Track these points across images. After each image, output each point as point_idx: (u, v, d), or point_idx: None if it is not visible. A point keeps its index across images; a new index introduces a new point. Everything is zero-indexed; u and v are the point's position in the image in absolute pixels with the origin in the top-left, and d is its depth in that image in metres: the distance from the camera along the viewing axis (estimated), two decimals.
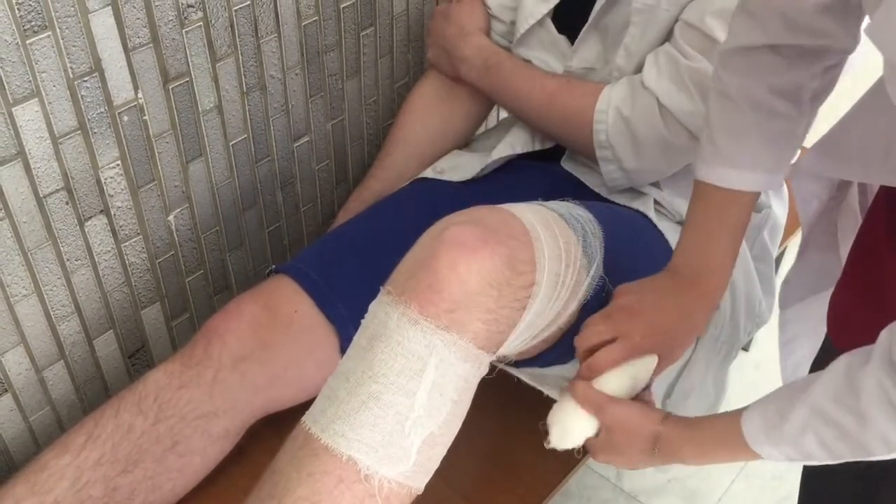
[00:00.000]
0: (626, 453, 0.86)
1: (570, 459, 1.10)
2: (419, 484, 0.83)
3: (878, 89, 0.74)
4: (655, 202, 1.09)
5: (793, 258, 0.95)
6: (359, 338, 0.84)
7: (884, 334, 0.67)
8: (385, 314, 0.82)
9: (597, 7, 1.06)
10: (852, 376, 0.68)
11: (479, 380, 0.85)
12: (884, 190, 0.76)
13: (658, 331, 0.86)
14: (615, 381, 0.86)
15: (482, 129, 1.37)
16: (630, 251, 0.98)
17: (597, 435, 0.87)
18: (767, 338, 1.65)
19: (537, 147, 1.18)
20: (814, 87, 0.81)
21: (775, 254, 1.19)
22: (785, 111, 0.81)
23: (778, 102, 0.80)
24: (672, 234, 1.04)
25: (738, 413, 0.78)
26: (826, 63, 0.79)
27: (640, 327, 0.86)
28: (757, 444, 0.75)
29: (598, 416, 0.86)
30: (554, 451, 0.89)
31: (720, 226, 0.86)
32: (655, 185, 1.10)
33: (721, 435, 0.80)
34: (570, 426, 0.87)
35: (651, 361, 0.87)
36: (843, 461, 0.71)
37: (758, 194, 0.85)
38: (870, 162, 0.75)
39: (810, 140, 0.87)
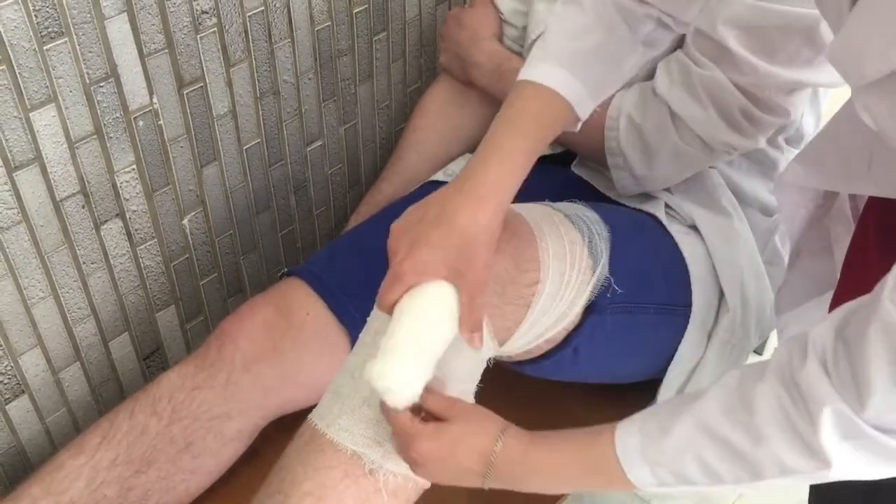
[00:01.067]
0: (451, 465, 0.76)
1: None
2: (425, 479, 0.83)
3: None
4: (666, 206, 1.09)
5: None
6: (363, 335, 0.84)
7: (782, 349, 0.65)
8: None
9: None
10: (745, 391, 0.64)
11: (480, 373, 0.85)
12: (872, 196, 0.76)
13: (420, 249, 0.73)
14: (413, 318, 0.73)
15: None
16: (637, 252, 0.98)
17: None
18: None
19: (547, 151, 1.18)
20: (647, 31, 0.82)
21: (787, 259, 1.19)
22: (622, 34, 0.81)
23: (619, 23, 0.80)
24: (682, 237, 1.04)
25: (604, 428, 0.72)
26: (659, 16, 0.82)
27: (400, 249, 0.75)
28: (629, 464, 0.69)
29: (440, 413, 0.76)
30: None
31: (521, 119, 0.77)
32: (667, 189, 1.10)
33: (582, 453, 0.73)
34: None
35: (445, 291, 0.74)
36: (721, 486, 0.66)
37: (567, 113, 0.79)
38: (853, 173, 0.74)
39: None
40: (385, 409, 0.76)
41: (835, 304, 0.82)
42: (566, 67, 0.79)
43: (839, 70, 0.60)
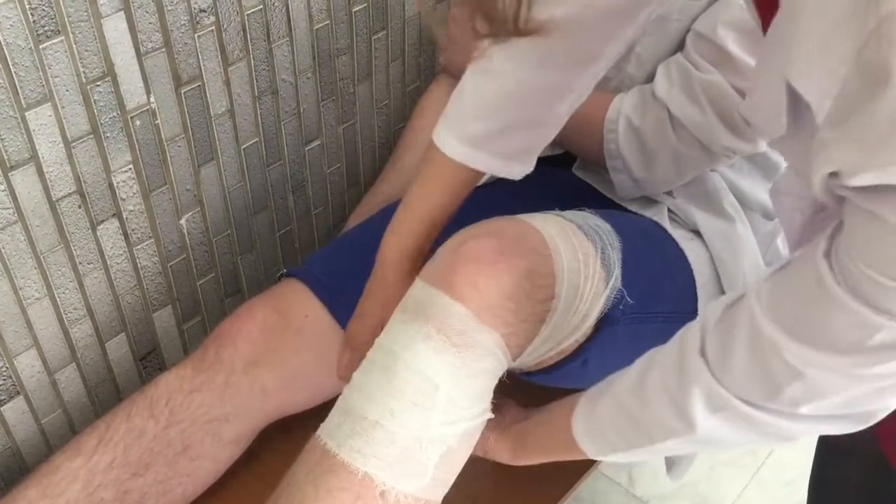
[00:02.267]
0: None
1: (582, 464, 1.10)
2: (437, 497, 0.82)
3: None
4: (669, 211, 1.08)
5: None
6: (374, 352, 0.83)
7: (681, 332, 0.69)
8: (401, 330, 0.81)
9: None
10: (651, 356, 0.70)
11: (492, 389, 0.85)
12: None
13: (355, 319, 0.97)
14: None
15: None
16: (647, 261, 0.97)
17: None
18: None
19: (547, 153, 1.18)
20: (571, 100, 0.85)
21: None
22: (536, 108, 0.84)
23: (533, 97, 0.84)
24: (686, 242, 1.04)
25: (570, 407, 0.80)
26: (573, 94, 0.85)
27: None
28: (581, 439, 0.77)
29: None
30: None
31: (431, 189, 0.91)
32: (669, 193, 1.10)
33: (556, 430, 0.82)
34: None
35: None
36: (638, 457, 0.72)
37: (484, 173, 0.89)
38: None
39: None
40: None
41: None
42: (483, 149, 0.86)
43: (752, 125, 0.63)
